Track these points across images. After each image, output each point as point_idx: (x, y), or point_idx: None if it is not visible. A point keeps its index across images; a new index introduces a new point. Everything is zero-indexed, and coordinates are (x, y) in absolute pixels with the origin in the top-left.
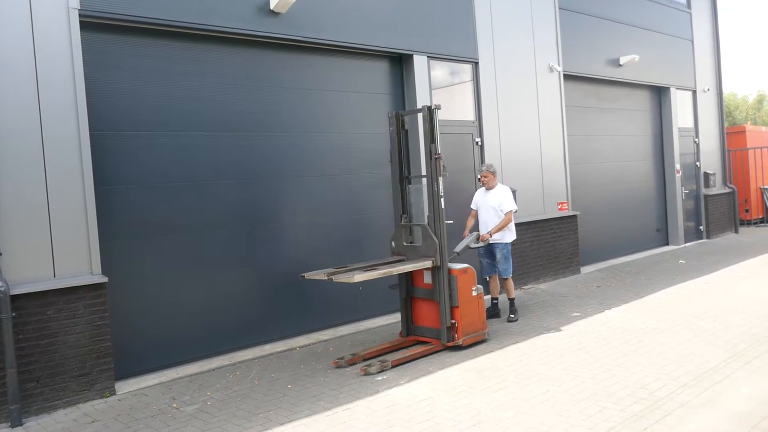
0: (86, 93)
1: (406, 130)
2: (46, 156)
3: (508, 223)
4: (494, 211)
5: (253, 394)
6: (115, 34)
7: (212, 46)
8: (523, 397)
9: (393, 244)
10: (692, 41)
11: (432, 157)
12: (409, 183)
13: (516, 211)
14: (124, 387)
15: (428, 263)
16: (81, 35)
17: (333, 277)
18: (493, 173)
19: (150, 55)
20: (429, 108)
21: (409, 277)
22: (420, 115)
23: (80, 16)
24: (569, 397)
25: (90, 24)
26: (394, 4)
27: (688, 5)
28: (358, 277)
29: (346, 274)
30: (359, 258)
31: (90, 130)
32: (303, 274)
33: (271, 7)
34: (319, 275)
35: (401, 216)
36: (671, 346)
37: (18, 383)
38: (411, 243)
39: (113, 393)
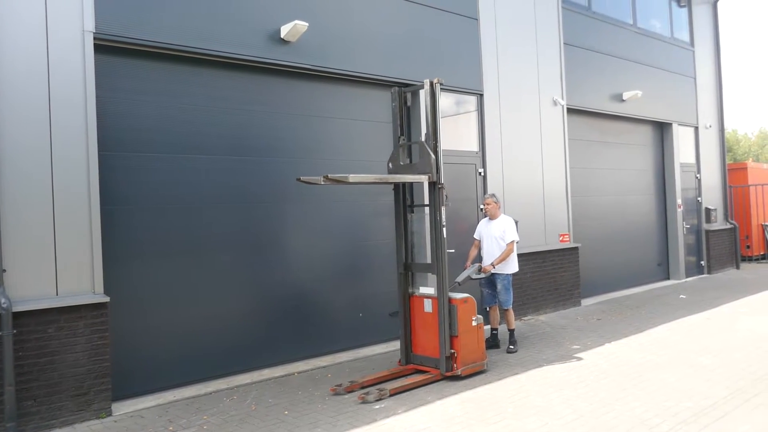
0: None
1: (408, 107)
2: (54, 176)
3: (509, 254)
4: (497, 241)
5: (250, 419)
6: (125, 57)
7: (220, 71)
8: (521, 430)
9: (390, 165)
10: (695, 78)
11: (435, 185)
12: (412, 212)
13: (517, 242)
14: (121, 408)
15: (424, 178)
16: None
17: (329, 175)
18: (496, 202)
19: (159, 78)
20: (431, 83)
21: (407, 306)
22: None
23: (95, 39)
24: (568, 431)
25: (102, 47)
26: (402, 36)
27: (691, 43)
28: (353, 177)
29: (342, 175)
30: (359, 284)
31: (97, 151)
32: (299, 177)
33: (282, 36)
34: (317, 180)
35: (399, 137)
36: (671, 381)
37: (16, 401)
38: (409, 163)
39: (110, 414)
